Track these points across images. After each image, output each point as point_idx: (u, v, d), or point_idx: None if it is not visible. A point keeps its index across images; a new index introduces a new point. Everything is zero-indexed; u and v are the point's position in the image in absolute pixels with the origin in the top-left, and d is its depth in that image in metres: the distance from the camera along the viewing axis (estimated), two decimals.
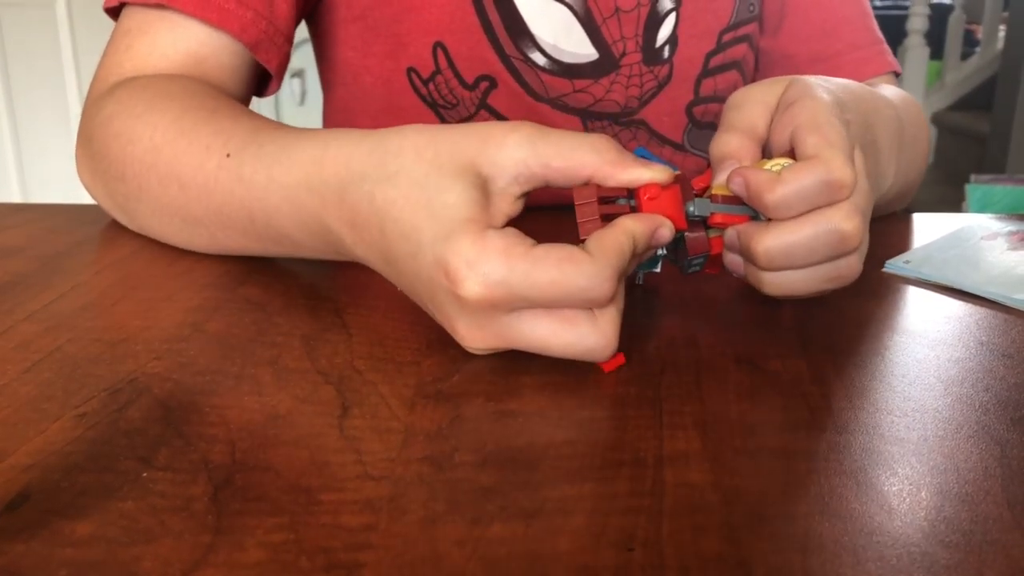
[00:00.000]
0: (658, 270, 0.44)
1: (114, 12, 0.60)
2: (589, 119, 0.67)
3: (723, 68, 0.70)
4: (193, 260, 0.50)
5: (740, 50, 0.71)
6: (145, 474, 0.30)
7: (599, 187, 0.38)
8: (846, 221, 0.38)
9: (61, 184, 2.13)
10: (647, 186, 0.38)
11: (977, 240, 0.54)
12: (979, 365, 0.38)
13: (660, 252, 0.41)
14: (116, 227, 0.56)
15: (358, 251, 0.40)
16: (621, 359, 0.37)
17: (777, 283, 0.40)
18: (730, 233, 0.41)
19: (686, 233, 0.41)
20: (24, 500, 0.28)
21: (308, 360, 0.38)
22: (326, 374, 0.37)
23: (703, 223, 0.41)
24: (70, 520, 0.27)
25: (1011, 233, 0.55)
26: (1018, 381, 0.37)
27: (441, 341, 0.40)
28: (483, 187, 0.37)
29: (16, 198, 2.18)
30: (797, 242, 0.39)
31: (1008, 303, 0.45)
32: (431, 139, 0.38)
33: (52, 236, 0.54)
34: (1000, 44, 3.59)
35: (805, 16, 0.72)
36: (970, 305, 0.45)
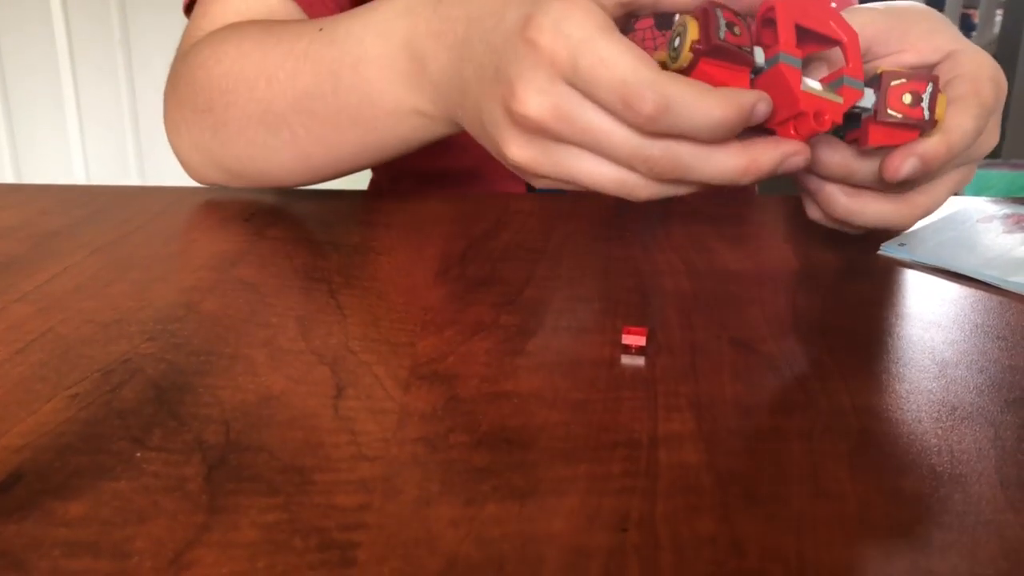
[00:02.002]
0: None
1: (189, 10, 0.61)
2: None
3: None
4: (187, 241, 0.50)
5: None
6: (138, 454, 0.30)
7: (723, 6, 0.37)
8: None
9: (55, 167, 2.12)
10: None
11: (973, 223, 0.54)
12: (974, 347, 0.38)
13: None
14: (110, 208, 0.55)
15: (434, 67, 0.42)
16: (643, 339, 0.37)
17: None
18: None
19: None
20: (16, 481, 0.28)
21: (303, 341, 0.38)
22: (321, 355, 0.37)
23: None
24: (63, 500, 0.27)
25: (1007, 216, 0.55)
26: (1012, 363, 0.37)
27: (436, 322, 0.40)
28: None
29: (10, 180, 2.17)
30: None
31: (1003, 285, 0.45)
32: None
33: (45, 217, 0.54)
34: (997, 28, 3.58)
35: None
36: (965, 287, 0.45)
